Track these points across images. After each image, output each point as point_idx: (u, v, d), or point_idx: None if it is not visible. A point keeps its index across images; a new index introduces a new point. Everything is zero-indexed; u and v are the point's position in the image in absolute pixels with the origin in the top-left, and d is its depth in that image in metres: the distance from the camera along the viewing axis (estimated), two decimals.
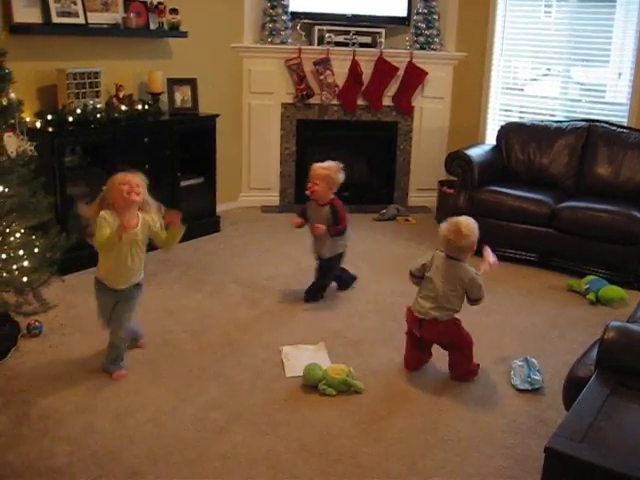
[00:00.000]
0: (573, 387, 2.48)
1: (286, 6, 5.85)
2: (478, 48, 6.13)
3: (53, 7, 4.37)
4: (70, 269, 4.06)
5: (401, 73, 6.08)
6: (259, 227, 5.65)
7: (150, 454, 2.69)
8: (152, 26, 5.04)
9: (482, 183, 5.19)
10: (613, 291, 4.35)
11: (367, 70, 6.03)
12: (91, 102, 4.54)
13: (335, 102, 6.13)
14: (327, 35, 5.99)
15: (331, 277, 4.27)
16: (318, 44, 6.00)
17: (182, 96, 5.27)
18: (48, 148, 4.17)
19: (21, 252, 3.32)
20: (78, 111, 4.39)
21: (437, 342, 3.35)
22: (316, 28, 6.00)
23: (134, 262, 3.17)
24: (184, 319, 3.91)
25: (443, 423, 3.00)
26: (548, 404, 3.15)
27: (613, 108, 5.62)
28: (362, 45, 6.04)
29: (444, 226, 3.24)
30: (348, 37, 6.01)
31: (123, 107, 4.70)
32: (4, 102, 3.30)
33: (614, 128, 5.29)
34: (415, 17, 6.09)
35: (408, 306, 3.35)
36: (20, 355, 3.41)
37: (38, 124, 4.27)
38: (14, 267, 3.29)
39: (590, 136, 5.30)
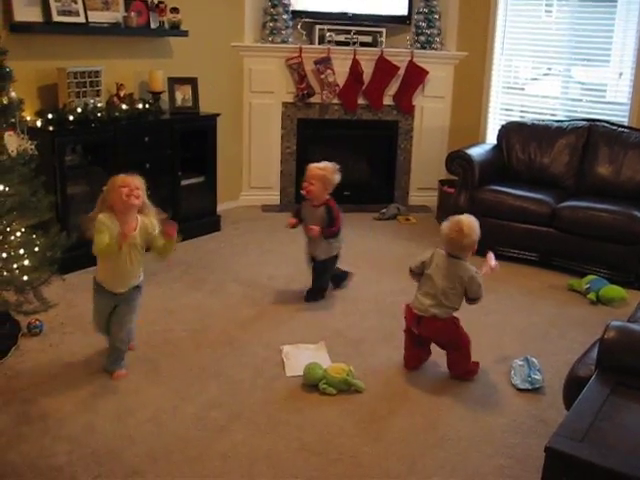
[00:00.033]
0: (573, 387, 2.48)
1: (287, 5, 5.85)
2: (479, 47, 6.12)
3: (54, 6, 4.37)
4: (70, 268, 4.06)
5: (402, 72, 6.08)
6: (260, 226, 5.64)
7: (150, 453, 2.69)
8: (153, 25, 5.03)
9: (483, 182, 5.19)
10: (614, 291, 4.35)
11: (368, 69, 6.03)
12: (92, 101, 4.54)
13: (336, 101, 6.12)
14: (328, 34, 5.98)
15: (328, 279, 4.27)
16: (319, 43, 6.00)
17: (183, 95, 5.27)
18: (49, 147, 4.17)
19: (21, 251, 3.33)
20: (79, 110, 4.39)
21: (435, 340, 3.35)
22: (317, 27, 5.99)
23: (133, 265, 3.15)
24: (184, 318, 3.91)
25: (443, 422, 3.00)
26: (548, 404, 3.15)
27: (614, 108, 5.61)
28: (363, 44, 6.04)
29: (446, 225, 3.25)
30: (349, 36, 6.01)
31: (124, 106, 4.69)
32: (5, 101, 3.30)
33: (615, 128, 5.28)
34: (416, 16, 6.09)
35: (407, 303, 3.36)
36: (21, 354, 3.41)
37: (39, 123, 4.27)
38: (14, 266, 3.29)
39: (591, 136, 5.30)
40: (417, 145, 6.38)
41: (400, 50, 6.09)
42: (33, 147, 3.44)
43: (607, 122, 5.38)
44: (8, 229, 3.30)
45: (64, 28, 4.48)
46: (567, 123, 5.51)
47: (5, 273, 3.27)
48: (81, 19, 4.54)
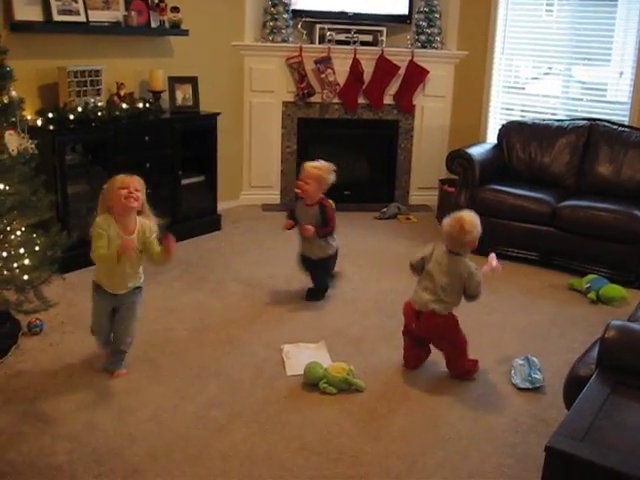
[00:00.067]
0: (574, 386, 2.48)
1: (287, 4, 5.84)
2: (479, 47, 6.12)
3: (54, 5, 4.37)
4: (71, 267, 4.06)
5: (402, 72, 6.07)
6: (260, 225, 5.64)
7: (151, 452, 2.69)
8: (153, 24, 5.03)
9: (483, 182, 5.19)
10: (614, 290, 4.35)
11: (368, 69, 6.02)
12: (92, 100, 4.54)
13: (336, 101, 6.12)
14: (328, 33, 5.98)
15: (328, 278, 4.26)
16: (319, 42, 5.99)
17: (183, 94, 5.27)
18: (49, 146, 4.17)
19: (22, 250, 3.33)
20: (79, 109, 4.39)
21: (432, 337, 3.32)
22: (317, 26, 5.99)
23: (132, 267, 3.14)
24: (185, 317, 3.91)
25: (443, 421, 3.00)
26: (549, 403, 3.15)
27: (614, 107, 5.61)
28: (363, 43, 6.04)
29: (447, 221, 3.24)
30: (349, 35, 6.01)
31: (124, 105, 4.69)
32: (5, 100, 3.30)
33: (615, 127, 5.28)
34: (416, 15, 6.09)
35: (408, 300, 3.36)
36: (21, 353, 3.41)
37: (39, 122, 4.27)
38: (15, 265, 3.29)
39: (591, 135, 5.30)
40: (417, 144, 6.38)
41: (400, 49, 6.09)
42: (33, 146, 3.44)
43: (608, 121, 5.37)
44: (8, 228, 3.30)
45: (64, 27, 4.49)
46: (568, 122, 5.51)
47: (5, 272, 3.27)
48: (81, 18, 4.54)
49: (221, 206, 5.65)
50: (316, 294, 4.21)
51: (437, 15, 6.07)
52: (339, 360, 3.38)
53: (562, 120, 5.62)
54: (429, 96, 6.27)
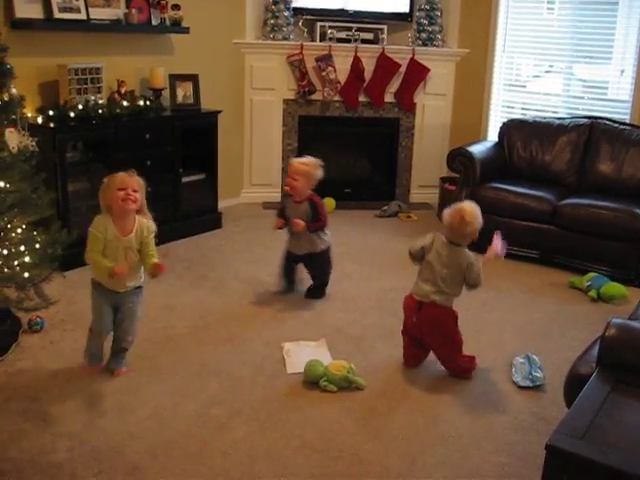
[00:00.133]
0: (574, 384, 2.47)
1: (288, 2, 5.84)
2: (480, 45, 6.12)
3: (54, 2, 4.37)
4: (71, 265, 4.04)
5: (403, 70, 6.07)
6: (261, 223, 5.64)
7: (151, 450, 2.69)
8: (154, 22, 5.03)
9: (484, 180, 5.19)
10: (615, 288, 4.35)
11: (369, 67, 6.02)
12: (93, 98, 4.54)
13: (337, 98, 6.12)
14: (329, 31, 5.97)
15: (328, 274, 4.24)
16: (320, 40, 5.99)
17: (184, 92, 5.27)
18: (49, 144, 4.17)
19: (22, 248, 3.33)
20: (80, 107, 4.39)
21: (431, 329, 3.28)
22: (318, 24, 5.98)
23: (130, 264, 3.08)
24: (185, 315, 3.91)
25: (444, 420, 3.00)
26: (549, 401, 3.15)
27: (615, 105, 5.60)
28: (364, 41, 6.04)
29: (447, 212, 3.24)
30: (350, 33, 6.00)
31: (125, 103, 4.69)
32: (5, 98, 3.30)
33: (616, 125, 5.28)
34: (417, 13, 6.08)
35: (407, 294, 3.35)
36: (21, 351, 3.42)
37: (39, 120, 4.28)
38: (15, 263, 3.30)
39: (592, 133, 5.30)
40: (418, 142, 6.38)
41: (401, 47, 6.09)
42: (34, 144, 3.44)
43: (609, 119, 5.37)
44: (9, 226, 3.30)
45: (65, 25, 4.48)
46: (569, 120, 5.50)
47: (6, 270, 3.27)
48: (82, 16, 4.54)
49: (222, 204, 5.65)
50: (316, 292, 4.21)
51: (438, 13, 6.06)
52: (339, 358, 3.38)
53: (563, 118, 5.61)
54: (430, 94, 6.27)
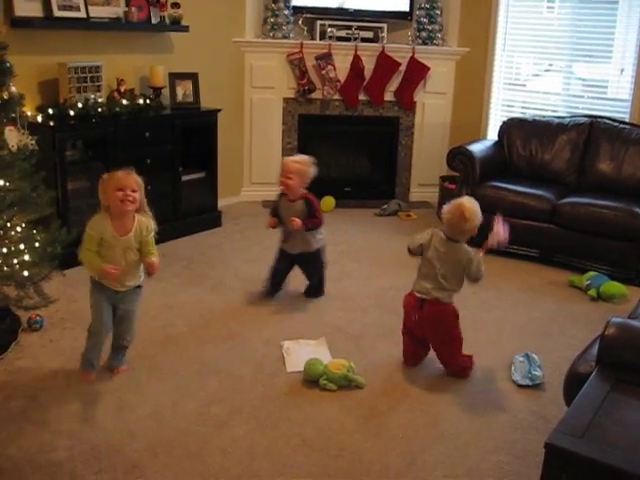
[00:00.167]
0: (574, 383, 2.47)
1: (288, 0, 5.84)
2: (480, 43, 6.11)
3: (54, 1, 4.36)
4: (71, 263, 4.02)
5: (403, 68, 6.07)
6: (260, 222, 5.58)
7: (151, 448, 2.70)
8: (154, 20, 5.03)
9: (484, 179, 5.19)
10: (614, 287, 4.35)
11: (369, 65, 6.02)
12: (92, 96, 4.54)
13: (337, 97, 6.12)
14: (329, 30, 5.97)
15: (324, 271, 4.22)
16: (320, 39, 5.99)
17: (183, 90, 5.26)
18: (49, 142, 4.16)
19: (22, 246, 3.33)
20: (79, 105, 4.39)
21: (433, 327, 3.28)
22: (318, 23, 5.98)
23: (129, 265, 3.05)
24: (185, 314, 3.91)
25: (443, 418, 3.00)
26: (549, 400, 3.15)
27: (615, 104, 5.60)
28: (364, 40, 6.03)
29: (447, 208, 3.23)
30: (350, 32, 6.00)
31: (124, 101, 4.69)
32: (5, 96, 3.30)
33: (616, 124, 5.28)
34: (417, 12, 6.08)
35: (407, 293, 3.35)
36: (21, 349, 3.42)
37: (39, 118, 4.27)
38: (15, 261, 3.30)
39: (592, 132, 5.30)
40: (418, 141, 6.38)
41: (401, 46, 6.08)
42: (34, 142, 3.44)
43: (608, 118, 5.37)
44: (8, 224, 3.30)
45: (65, 23, 4.48)
46: (568, 119, 5.50)
47: (5, 268, 3.27)
48: (82, 14, 4.53)
49: (221, 202, 5.65)
50: (315, 290, 4.21)
51: (438, 12, 6.06)
52: (339, 357, 3.38)
53: (563, 117, 5.61)
54: (430, 93, 6.27)
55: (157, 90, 5.09)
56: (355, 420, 2.95)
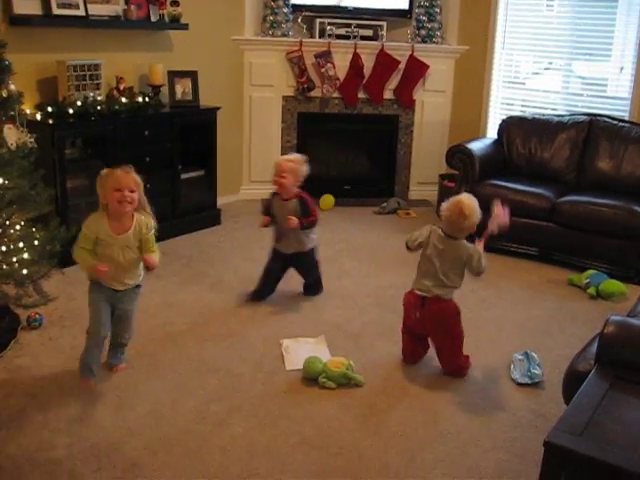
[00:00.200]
0: (573, 381, 2.48)
1: None
2: (480, 41, 6.11)
3: None
4: (70, 261, 3.98)
5: (402, 66, 6.06)
6: (260, 220, 5.62)
7: (150, 446, 2.70)
8: (153, 18, 5.03)
9: (483, 177, 5.18)
10: (614, 285, 4.35)
11: (368, 63, 6.01)
12: (91, 94, 4.53)
13: (336, 95, 6.11)
14: (328, 28, 5.97)
15: (319, 269, 4.20)
16: (319, 37, 5.98)
17: (183, 89, 5.26)
18: (48, 140, 4.16)
19: (21, 244, 3.32)
20: (78, 103, 4.39)
21: (435, 324, 3.27)
22: (317, 21, 5.98)
23: (128, 264, 3.03)
24: (184, 312, 3.91)
25: (442, 417, 3.00)
26: (548, 398, 3.15)
27: (615, 102, 5.60)
28: (363, 38, 6.03)
29: (445, 206, 3.23)
30: (349, 30, 6.00)
31: (123, 99, 4.69)
32: (4, 94, 3.30)
33: (615, 122, 5.28)
34: (417, 10, 6.07)
35: (407, 291, 3.35)
36: (20, 347, 3.41)
37: (38, 116, 4.27)
38: (14, 259, 3.29)
39: (591, 130, 5.30)
40: (417, 139, 6.38)
41: (401, 44, 6.08)
42: (32, 140, 3.44)
43: (608, 117, 5.37)
44: (7, 222, 3.30)
45: (64, 21, 4.47)
46: (568, 118, 5.50)
47: (5, 266, 3.27)
48: (81, 12, 4.53)
49: (221, 201, 5.65)
50: (313, 288, 4.20)
51: (437, 10, 6.06)
52: (338, 355, 3.38)
53: (562, 115, 5.61)
54: (429, 91, 6.27)
55: (156, 88, 5.08)
56: (354, 418, 2.96)
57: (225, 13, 5.66)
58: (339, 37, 5.98)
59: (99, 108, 4.48)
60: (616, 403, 2.16)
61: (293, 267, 4.14)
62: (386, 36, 6.07)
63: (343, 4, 6.01)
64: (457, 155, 5.33)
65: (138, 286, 3.17)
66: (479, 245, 3.26)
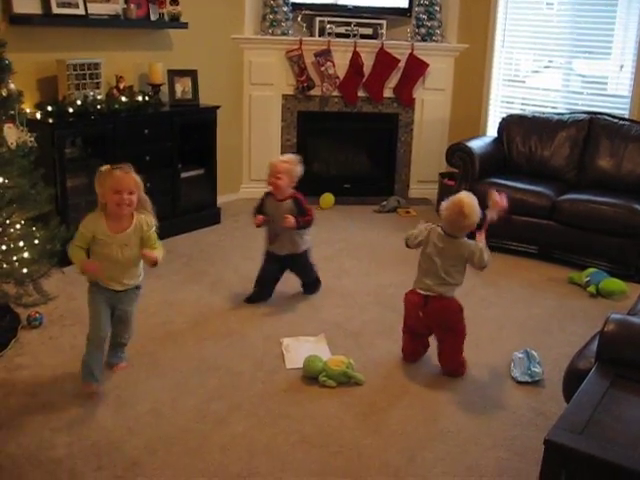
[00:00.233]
0: (573, 379, 2.48)
1: None
2: (480, 40, 6.10)
3: None
4: (70, 261, 4.05)
5: (402, 65, 6.06)
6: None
7: (150, 445, 2.70)
8: (152, 17, 5.02)
9: (483, 175, 5.18)
10: (614, 284, 4.35)
11: (368, 62, 6.01)
12: (91, 93, 4.53)
13: (336, 94, 6.11)
14: (328, 26, 5.96)
15: (314, 268, 4.18)
16: (319, 35, 5.98)
17: (182, 87, 5.26)
18: (48, 139, 4.16)
19: (21, 243, 3.33)
20: (78, 102, 4.39)
21: (440, 322, 3.27)
22: (317, 19, 5.98)
23: (126, 261, 3.00)
24: (184, 310, 3.91)
25: (443, 415, 3.00)
26: (548, 396, 3.15)
27: (615, 100, 5.60)
28: (363, 36, 6.02)
29: (445, 205, 3.22)
30: (349, 28, 5.99)
31: (123, 98, 4.69)
32: (4, 93, 3.30)
33: (616, 121, 5.27)
34: (416, 8, 6.07)
35: (407, 291, 3.35)
36: (20, 347, 3.42)
37: (38, 115, 4.27)
38: (14, 258, 3.30)
39: (591, 128, 5.29)
40: (417, 138, 6.37)
41: (401, 42, 6.07)
42: (32, 139, 3.44)
43: (608, 115, 5.36)
44: (8, 221, 3.30)
45: (63, 20, 4.47)
46: (568, 116, 5.50)
47: (5, 265, 3.27)
48: (80, 11, 4.53)
49: (221, 199, 5.65)
50: (312, 287, 4.20)
51: (437, 8, 6.05)
52: (338, 353, 3.38)
53: (562, 113, 5.61)
54: (429, 89, 6.26)
55: (156, 87, 5.08)
56: (354, 417, 2.96)
57: (225, 12, 5.66)
58: (339, 35, 5.98)
59: (99, 107, 4.47)
60: (616, 401, 2.16)
61: (288, 269, 4.12)
62: (386, 34, 6.06)
63: (343, 2, 6.01)
64: (457, 153, 5.33)
65: (138, 287, 3.15)
66: (480, 237, 3.25)
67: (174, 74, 5.21)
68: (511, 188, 4.98)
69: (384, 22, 6.06)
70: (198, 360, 3.37)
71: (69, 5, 4.46)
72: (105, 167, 2.99)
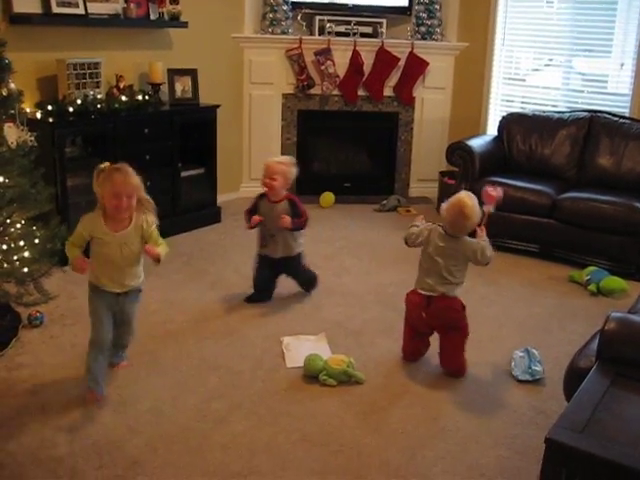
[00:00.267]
0: (574, 378, 2.48)
1: None
2: (480, 38, 6.10)
3: None
4: None
5: (402, 63, 6.06)
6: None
7: (150, 444, 2.70)
8: (152, 16, 5.02)
9: (483, 174, 5.18)
10: (614, 282, 4.35)
11: (368, 60, 6.01)
12: (91, 93, 4.53)
13: (336, 92, 6.11)
14: (328, 25, 5.96)
15: (307, 268, 4.16)
16: (319, 34, 5.98)
17: (182, 87, 5.26)
18: (48, 139, 4.16)
19: (22, 243, 3.33)
20: (78, 102, 4.39)
21: (443, 321, 3.27)
22: (317, 18, 5.98)
23: (126, 260, 2.97)
24: (185, 309, 3.91)
25: (443, 414, 3.00)
26: (549, 395, 3.16)
27: (615, 99, 5.59)
28: (363, 35, 6.03)
29: (446, 206, 3.22)
30: (349, 27, 5.99)
31: (123, 98, 4.69)
32: (4, 93, 3.29)
33: (616, 119, 5.27)
34: (416, 7, 6.07)
35: (408, 292, 3.34)
36: (21, 346, 3.42)
37: (38, 115, 4.27)
38: (15, 258, 3.29)
39: (592, 127, 5.29)
40: (417, 136, 6.37)
41: (400, 41, 6.08)
42: (33, 139, 3.44)
43: (608, 113, 5.36)
44: (8, 221, 3.30)
45: (63, 19, 4.47)
46: (568, 114, 5.50)
47: (5, 265, 3.27)
48: (80, 10, 4.53)
49: (221, 198, 5.65)
50: (309, 285, 4.18)
51: (437, 6, 6.06)
52: (339, 352, 3.38)
53: (563, 112, 5.61)
54: (429, 88, 6.26)
55: (156, 86, 5.08)
56: (355, 415, 2.96)
57: (225, 11, 5.66)
58: (339, 34, 5.98)
59: (99, 106, 4.48)
60: (617, 400, 2.16)
61: (284, 272, 4.09)
62: (386, 33, 6.06)
63: (343, 1, 6.01)
64: (457, 152, 5.33)
65: (139, 290, 3.12)
66: (481, 232, 3.26)
67: (174, 73, 5.21)
68: (511, 186, 4.99)
69: (384, 21, 6.06)
70: (198, 359, 3.37)
71: (69, 4, 4.46)
72: (104, 165, 2.98)
